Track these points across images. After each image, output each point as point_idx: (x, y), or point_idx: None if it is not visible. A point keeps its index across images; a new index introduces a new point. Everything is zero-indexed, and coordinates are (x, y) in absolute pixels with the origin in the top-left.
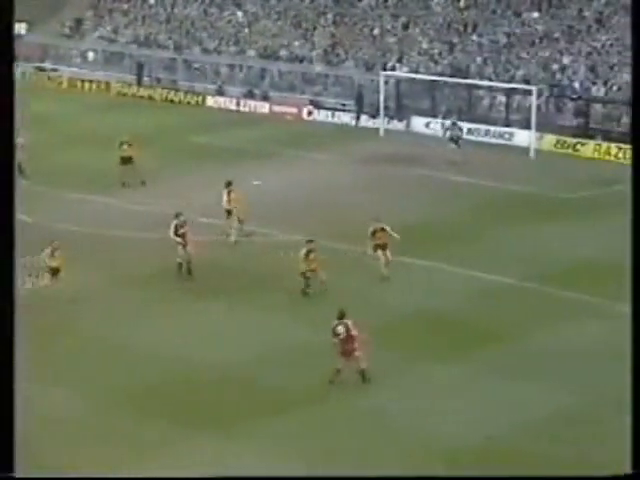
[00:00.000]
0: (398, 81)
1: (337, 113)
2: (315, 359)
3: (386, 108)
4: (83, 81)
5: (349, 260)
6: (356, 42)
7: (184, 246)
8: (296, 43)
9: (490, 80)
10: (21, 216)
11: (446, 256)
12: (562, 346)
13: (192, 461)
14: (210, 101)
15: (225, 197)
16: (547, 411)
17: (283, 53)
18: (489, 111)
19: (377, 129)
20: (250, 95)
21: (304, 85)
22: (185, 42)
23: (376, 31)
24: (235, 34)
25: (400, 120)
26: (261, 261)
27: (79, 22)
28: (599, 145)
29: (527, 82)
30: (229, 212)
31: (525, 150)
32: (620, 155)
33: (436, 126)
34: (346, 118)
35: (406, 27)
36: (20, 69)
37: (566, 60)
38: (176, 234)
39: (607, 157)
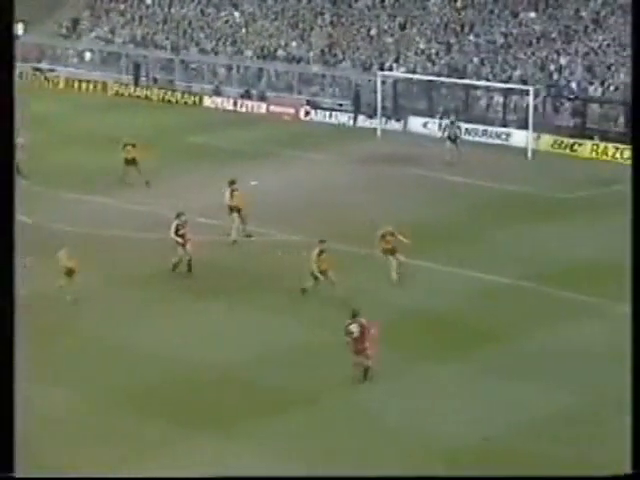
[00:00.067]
0: (395, 81)
1: (334, 113)
2: (315, 359)
3: (383, 108)
4: (80, 81)
5: (348, 260)
6: (353, 42)
7: (183, 246)
8: (293, 43)
9: (487, 80)
10: (20, 217)
11: (444, 256)
12: (561, 346)
13: (192, 461)
14: (207, 101)
15: (227, 195)
16: (547, 411)
17: (280, 53)
18: (486, 111)
19: (374, 129)
20: (247, 95)
21: (301, 85)
22: (182, 42)
23: (373, 31)
24: (232, 34)
25: (397, 120)
26: (261, 261)
27: (76, 22)
28: (596, 145)
29: (524, 82)
30: (231, 209)
31: (522, 150)
32: (617, 155)
33: (433, 126)
34: (343, 118)
35: (403, 27)
36: (17, 69)
37: (563, 60)
38: (176, 234)
39: (604, 157)
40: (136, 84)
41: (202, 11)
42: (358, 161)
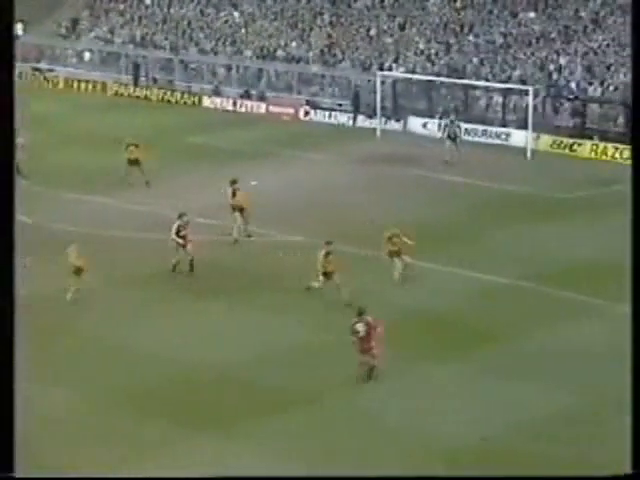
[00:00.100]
0: (395, 81)
1: (334, 113)
2: (315, 359)
3: (383, 108)
4: (79, 81)
5: (348, 260)
6: (353, 42)
7: (184, 247)
8: (293, 43)
9: (487, 80)
10: (20, 217)
11: (443, 256)
12: (561, 346)
13: (192, 461)
14: (207, 101)
15: (229, 194)
16: (547, 411)
17: (280, 53)
18: (486, 111)
19: (374, 129)
20: (247, 95)
21: (301, 85)
22: (182, 42)
23: (373, 31)
24: (232, 34)
25: (397, 120)
26: (261, 261)
27: (75, 22)
28: (596, 145)
29: (524, 82)
30: (233, 208)
31: (522, 150)
32: (617, 155)
33: (433, 126)
34: (343, 118)
35: (402, 27)
36: (17, 69)
37: (562, 60)
38: (178, 235)
39: (604, 157)
40: (135, 84)
41: (201, 11)
42: (358, 161)
